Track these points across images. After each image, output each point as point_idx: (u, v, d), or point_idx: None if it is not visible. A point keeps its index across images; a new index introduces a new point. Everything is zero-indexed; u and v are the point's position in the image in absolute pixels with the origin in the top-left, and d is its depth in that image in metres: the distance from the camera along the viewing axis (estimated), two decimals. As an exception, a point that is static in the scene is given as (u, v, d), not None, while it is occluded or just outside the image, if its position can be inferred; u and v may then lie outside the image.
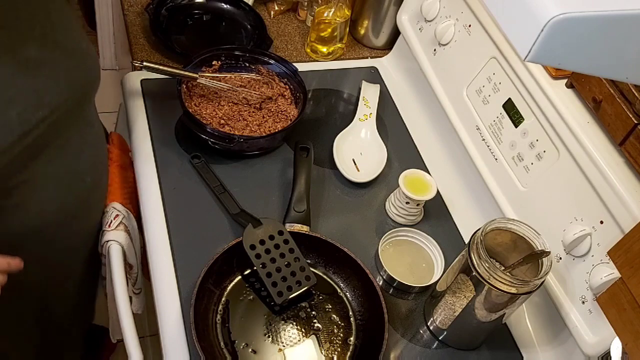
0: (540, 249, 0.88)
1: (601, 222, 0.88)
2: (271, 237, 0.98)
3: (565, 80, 0.98)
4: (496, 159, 1.08)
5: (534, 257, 0.88)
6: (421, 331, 0.99)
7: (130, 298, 1.06)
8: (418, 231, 1.08)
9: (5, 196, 0.80)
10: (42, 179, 0.83)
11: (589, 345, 0.90)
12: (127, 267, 1.06)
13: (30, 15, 0.74)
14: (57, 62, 0.77)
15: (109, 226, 1.03)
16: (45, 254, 0.95)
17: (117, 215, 1.03)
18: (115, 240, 1.02)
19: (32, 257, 0.90)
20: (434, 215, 1.13)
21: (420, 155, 1.23)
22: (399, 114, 1.30)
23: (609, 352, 0.86)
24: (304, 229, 1.02)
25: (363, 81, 1.31)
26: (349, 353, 0.93)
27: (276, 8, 1.44)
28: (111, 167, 1.09)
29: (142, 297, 1.16)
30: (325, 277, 1.01)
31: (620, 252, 0.70)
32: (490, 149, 1.09)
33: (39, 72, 0.75)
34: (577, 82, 0.95)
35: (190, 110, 1.12)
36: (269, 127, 1.15)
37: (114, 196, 1.06)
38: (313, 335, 0.94)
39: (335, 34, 1.33)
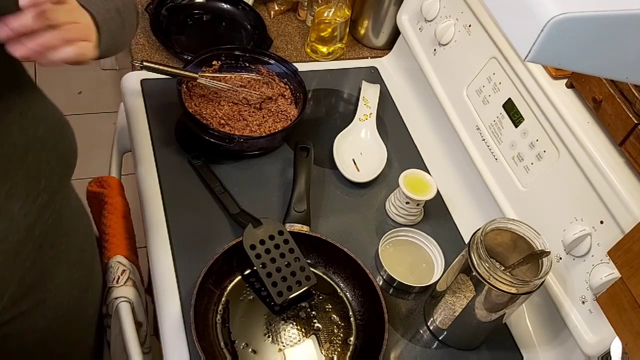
0: (540, 249, 0.88)
1: (601, 222, 0.88)
2: (271, 237, 0.97)
3: (565, 80, 0.98)
4: (496, 159, 1.08)
5: (534, 257, 0.88)
6: (421, 331, 0.99)
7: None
8: (418, 231, 1.08)
9: (24, 298, 0.77)
10: (52, 268, 0.80)
11: (589, 345, 0.90)
12: (136, 325, 1.00)
13: (6, 93, 0.69)
14: (42, 140, 0.73)
15: (117, 282, 0.98)
16: (64, 338, 0.91)
17: (124, 271, 0.99)
18: (124, 297, 0.98)
19: (54, 347, 0.87)
20: (434, 215, 1.13)
21: (420, 155, 1.23)
22: (399, 114, 1.30)
23: (609, 352, 0.86)
24: (304, 229, 1.02)
25: (363, 81, 1.31)
26: (349, 353, 0.93)
27: (276, 8, 1.44)
28: (113, 218, 1.06)
29: (150, 356, 1.09)
30: (325, 277, 1.01)
31: (620, 252, 0.70)
32: (490, 149, 1.09)
33: (27, 156, 0.71)
34: (577, 82, 0.95)
35: (190, 110, 1.12)
36: (269, 127, 1.15)
37: (119, 249, 1.02)
38: (313, 335, 0.94)
39: (335, 34, 1.33)
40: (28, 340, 0.82)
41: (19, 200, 0.70)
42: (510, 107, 1.05)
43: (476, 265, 0.86)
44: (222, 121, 1.13)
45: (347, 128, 1.21)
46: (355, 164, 1.18)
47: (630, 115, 0.84)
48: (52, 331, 0.86)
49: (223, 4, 1.40)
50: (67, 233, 0.82)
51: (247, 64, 1.21)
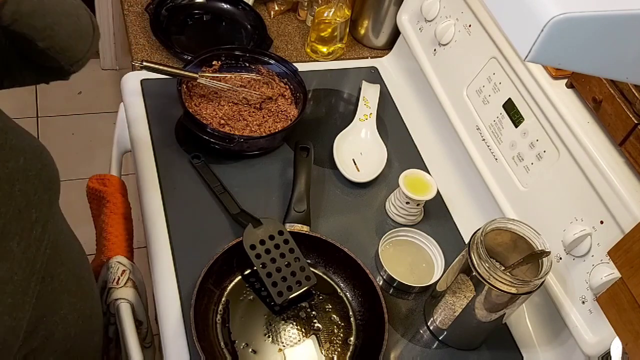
0: (540, 249, 0.88)
1: (601, 222, 0.88)
2: (271, 237, 0.98)
3: (565, 80, 0.98)
4: (496, 159, 1.08)
5: (534, 257, 0.88)
6: (421, 331, 0.99)
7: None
8: (418, 231, 1.08)
9: (33, 335, 0.75)
10: (56, 300, 0.79)
11: (589, 345, 0.90)
12: (137, 323, 1.00)
13: None
14: (24, 170, 0.70)
15: (117, 283, 0.98)
16: None
17: (124, 271, 0.99)
18: (124, 298, 0.97)
19: None
20: (434, 215, 1.13)
21: (420, 155, 1.23)
22: (399, 114, 1.30)
23: (609, 352, 0.86)
24: (304, 229, 1.02)
25: (363, 81, 1.31)
26: (349, 353, 0.93)
27: (276, 8, 1.45)
28: (115, 218, 1.05)
29: (152, 350, 1.10)
30: (325, 277, 1.01)
31: (620, 252, 0.70)
32: (490, 149, 1.09)
33: (14, 189, 0.68)
34: (577, 82, 0.95)
35: (191, 110, 1.12)
36: (269, 127, 1.15)
37: (119, 250, 1.02)
38: (313, 335, 0.94)
39: (335, 34, 1.33)
40: None
41: (15, 237, 0.68)
42: (510, 107, 1.05)
43: (476, 265, 0.86)
44: (222, 121, 1.13)
45: (347, 128, 1.21)
46: (355, 164, 1.18)
47: (630, 115, 0.84)
48: None
49: (223, 4, 1.40)
50: (63, 262, 0.80)
51: (247, 64, 1.21)
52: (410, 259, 1.07)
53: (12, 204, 0.68)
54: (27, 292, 0.71)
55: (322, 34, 1.34)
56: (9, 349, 0.70)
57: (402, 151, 1.23)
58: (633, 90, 0.84)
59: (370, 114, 1.24)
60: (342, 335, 0.95)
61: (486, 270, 0.85)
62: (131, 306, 0.98)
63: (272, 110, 1.18)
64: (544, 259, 0.86)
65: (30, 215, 0.71)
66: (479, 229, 0.88)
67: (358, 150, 1.20)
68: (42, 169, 0.74)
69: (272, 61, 1.21)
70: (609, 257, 0.73)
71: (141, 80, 1.21)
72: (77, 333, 0.86)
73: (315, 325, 0.95)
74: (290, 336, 0.93)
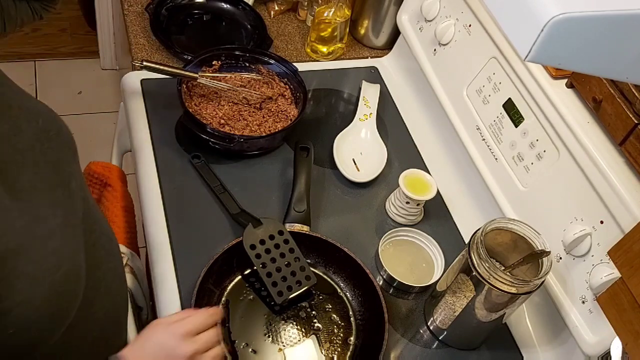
0: (540, 248, 0.88)
1: (601, 222, 0.88)
2: (271, 237, 0.98)
3: (565, 80, 0.98)
4: (496, 159, 1.08)
5: (534, 257, 0.88)
6: (421, 331, 0.99)
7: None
8: (418, 231, 1.08)
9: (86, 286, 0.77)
10: (96, 255, 0.80)
11: (589, 345, 0.90)
12: (137, 309, 1.01)
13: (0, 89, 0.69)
14: (46, 130, 0.73)
15: None
16: (120, 324, 0.91)
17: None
18: None
19: (111, 336, 0.87)
20: (434, 215, 1.13)
21: (420, 155, 1.23)
22: (399, 114, 1.31)
23: (609, 352, 0.86)
24: (304, 228, 1.02)
25: (363, 81, 1.31)
26: (349, 353, 0.93)
27: (276, 8, 1.45)
28: (115, 208, 1.06)
29: None
30: (325, 277, 1.01)
31: (620, 252, 0.70)
32: (490, 149, 1.09)
33: (44, 146, 0.71)
34: (577, 82, 0.95)
35: (191, 110, 1.12)
36: (269, 127, 1.15)
37: (119, 239, 1.01)
38: (313, 335, 0.94)
39: (335, 33, 1.33)
40: (92, 329, 0.82)
41: (58, 188, 0.72)
42: (510, 107, 1.05)
43: (476, 265, 0.86)
44: (222, 121, 1.13)
45: (347, 128, 1.21)
46: (355, 164, 1.18)
47: (630, 115, 0.84)
48: (111, 319, 0.86)
49: (223, 4, 1.40)
50: (96, 219, 0.82)
51: (247, 64, 1.21)
52: (410, 259, 1.07)
53: (48, 158, 0.72)
54: (81, 239, 0.73)
55: (322, 34, 1.34)
56: (79, 292, 0.72)
57: (402, 151, 1.23)
58: (633, 90, 0.83)
59: (370, 113, 1.24)
60: (342, 335, 0.95)
61: (486, 270, 0.85)
62: (130, 292, 0.98)
63: (272, 110, 1.18)
64: (544, 258, 0.86)
65: (63, 169, 0.74)
66: (479, 229, 0.88)
67: (358, 150, 1.20)
68: (59, 129, 0.77)
69: (272, 61, 1.21)
70: (609, 257, 0.73)
71: (141, 80, 1.21)
72: (119, 291, 0.87)
73: (315, 325, 0.95)
74: (290, 336, 0.93)
